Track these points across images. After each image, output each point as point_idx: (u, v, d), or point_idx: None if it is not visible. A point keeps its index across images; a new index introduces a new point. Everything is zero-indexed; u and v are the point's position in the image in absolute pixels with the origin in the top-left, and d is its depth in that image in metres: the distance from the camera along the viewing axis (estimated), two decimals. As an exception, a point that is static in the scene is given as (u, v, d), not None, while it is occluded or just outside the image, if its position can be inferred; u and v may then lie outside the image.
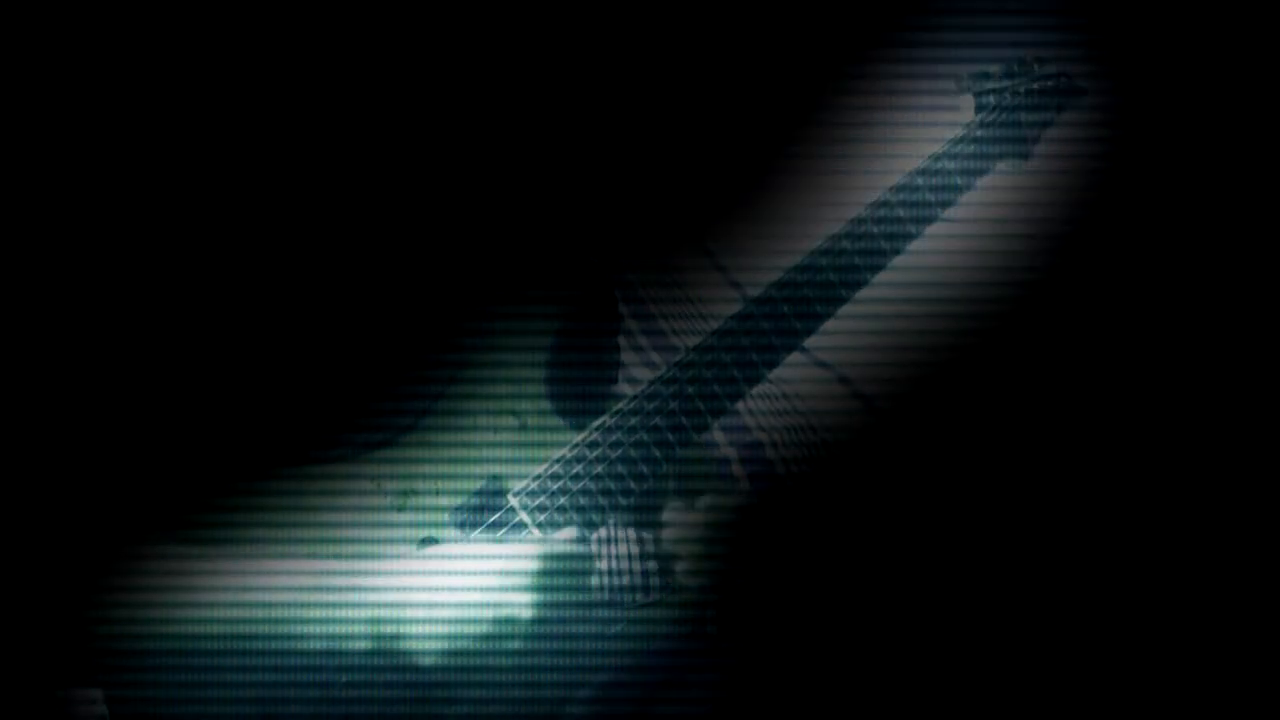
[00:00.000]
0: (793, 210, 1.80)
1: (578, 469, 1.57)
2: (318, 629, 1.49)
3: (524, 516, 1.56)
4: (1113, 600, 1.87)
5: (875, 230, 1.61)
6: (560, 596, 1.51)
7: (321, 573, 1.50)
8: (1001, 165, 1.65)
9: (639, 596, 1.65)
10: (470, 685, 1.54)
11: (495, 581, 1.51)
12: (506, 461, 1.57)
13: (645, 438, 1.57)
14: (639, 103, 1.79)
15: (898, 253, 1.62)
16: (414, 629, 1.49)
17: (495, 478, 1.57)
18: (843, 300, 1.61)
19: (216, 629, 1.48)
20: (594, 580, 1.57)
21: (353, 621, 1.49)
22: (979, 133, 1.64)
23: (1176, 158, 1.82)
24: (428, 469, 1.56)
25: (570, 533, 1.55)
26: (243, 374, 1.56)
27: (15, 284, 1.58)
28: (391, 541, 1.54)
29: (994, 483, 1.85)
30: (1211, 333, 1.86)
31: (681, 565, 1.62)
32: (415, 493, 1.56)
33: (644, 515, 1.66)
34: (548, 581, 1.51)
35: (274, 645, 1.49)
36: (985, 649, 1.82)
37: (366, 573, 1.50)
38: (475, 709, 1.54)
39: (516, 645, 1.51)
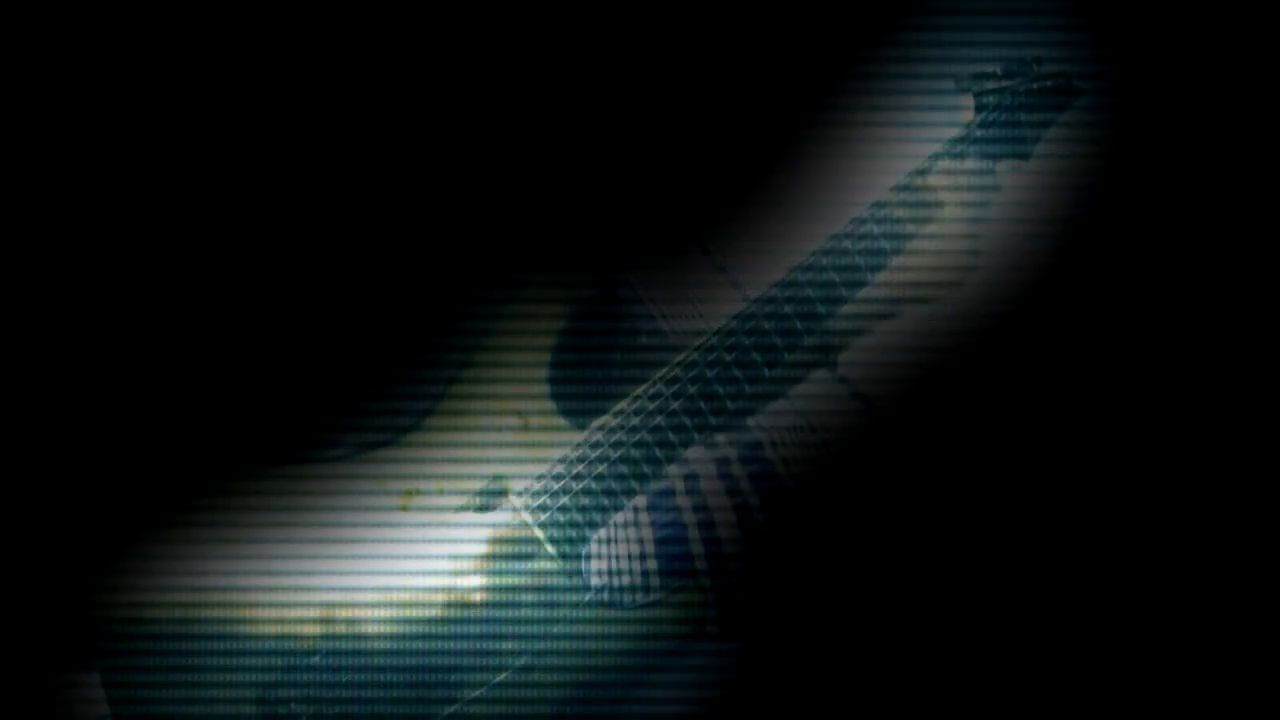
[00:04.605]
0: (793, 210, 1.80)
1: (580, 469, 1.57)
2: (319, 627, 1.49)
3: (526, 516, 1.56)
4: (1113, 600, 1.87)
5: (876, 230, 1.61)
6: (563, 595, 1.52)
7: (323, 572, 1.50)
8: (1001, 165, 1.65)
9: (639, 596, 1.65)
10: (471, 685, 1.55)
11: (497, 581, 1.51)
12: (509, 461, 1.57)
13: (648, 437, 1.57)
14: (640, 103, 1.80)
15: (898, 253, 1.62)
16: (415, 628, 1.49)
17: (498, 477, 1.57)
18: (844, 300, 1.61)
19: (216, 627, 1.48)
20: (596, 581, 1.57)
21: (353, 620, 1.49)
22: (979, 133, 1.64)
23: (1176, 158, 1.82)
24: (430, 469, 1.57)
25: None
26: (245, 372, 1.56)
27: (17, 284, 1.58)
28: (394, 541, 1.54)
29: (994, 483, 1.85)
30: (1212, 333, 1.86)
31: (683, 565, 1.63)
32: (418, 492, 1.56)
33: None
34: (555, 581, 1.52)
35: (271, 641, 1.49)
36: (986, 649, 1.82)
37: (368, 571, 1.50)
38: (477, 709, 1.54)
39: (518, 645, 1.52)
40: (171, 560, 1.49)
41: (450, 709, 1.54)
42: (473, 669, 1.55)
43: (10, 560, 1.46)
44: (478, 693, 1.54)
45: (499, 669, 1.55)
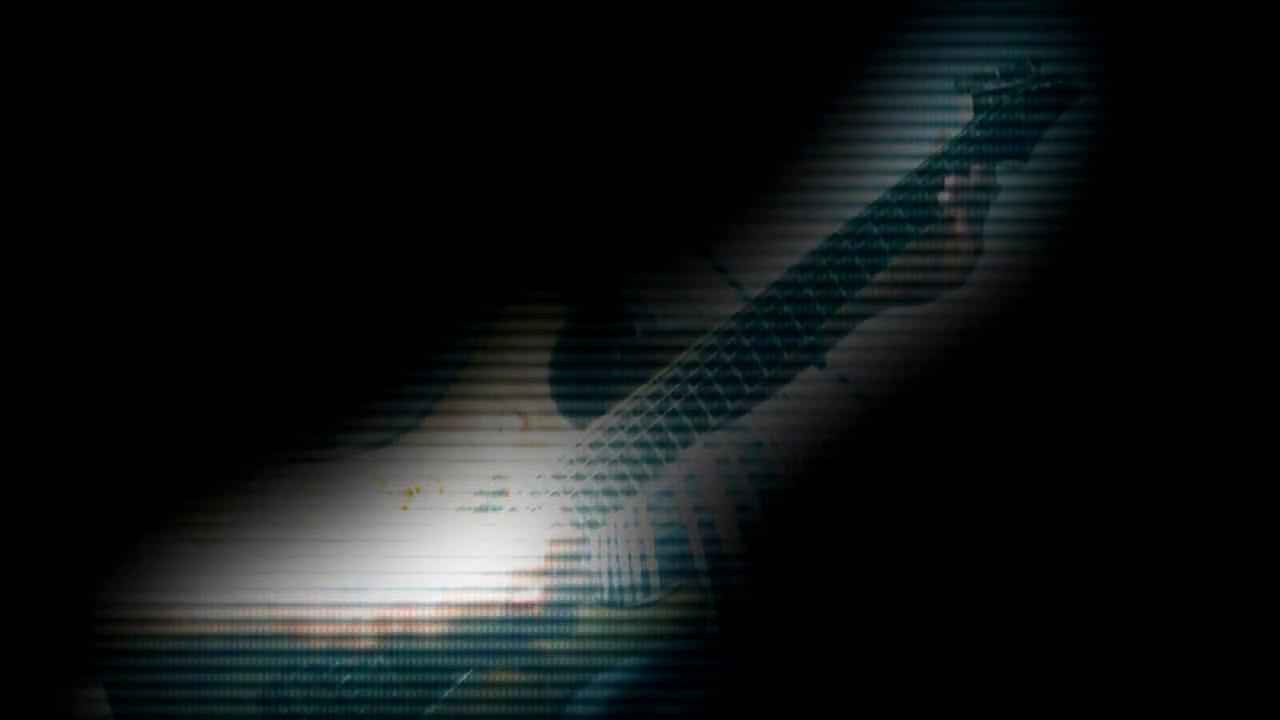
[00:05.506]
0: (793, 210, 1.81)
1: (580, 469, 1.57)
2: (320, 628, 1.49)
3: (527, 516, 1.57)
4: (1112, 601, 1.87)
5: (875, 230, 1.61)
6: (561, 595, 1.52)
7: (323, 572, 1.50)
8: (1000, 165, 1.66)
9: (639, 596, 1.65)
10: (471, 684, 1.55)
11: (495, 581, 1.52)
12: (509, 461, 1.57)
13: (648, 437, 1.57)
14: (640, 103, 1.80)
15: (898, 253, 1.62)
16: (414, 629, 1.49)
17: (498, 477, 1.57)
18: (843, 300, 1.61)
19: (218, 628, 1.48)
20: (591, 576, 1.57)
21: (354, 620, 1.49)
22: (978, 133, 1.64)
23: (1174, 158, 1.82)
24: (431, 468, 1.57)
25: (563, 530, 1.55)
26: (245, 371, 1.56)
27: (17, 284, 1.58)
28: (394, 540, 1.54)
29: (994, 483, 1.85)
30: (1211, 333, 1.87)
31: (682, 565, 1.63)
32: (419, 492, 1.57)
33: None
34: (549, 580, 1.52)
35: (275, 644, 1.49)
36: (986, 649, 1.82)
37: (368, 571, 1.51)
38: (476, 709, 1.55)
39: (517, 645, 1.52)
40: (170, 561, 1.49)
41: (432, 708, 1.55)
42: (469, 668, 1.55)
43: (6, 563, 1.46)
44: (449, 692, 1.54)
45: (499, 668, 1.55)
